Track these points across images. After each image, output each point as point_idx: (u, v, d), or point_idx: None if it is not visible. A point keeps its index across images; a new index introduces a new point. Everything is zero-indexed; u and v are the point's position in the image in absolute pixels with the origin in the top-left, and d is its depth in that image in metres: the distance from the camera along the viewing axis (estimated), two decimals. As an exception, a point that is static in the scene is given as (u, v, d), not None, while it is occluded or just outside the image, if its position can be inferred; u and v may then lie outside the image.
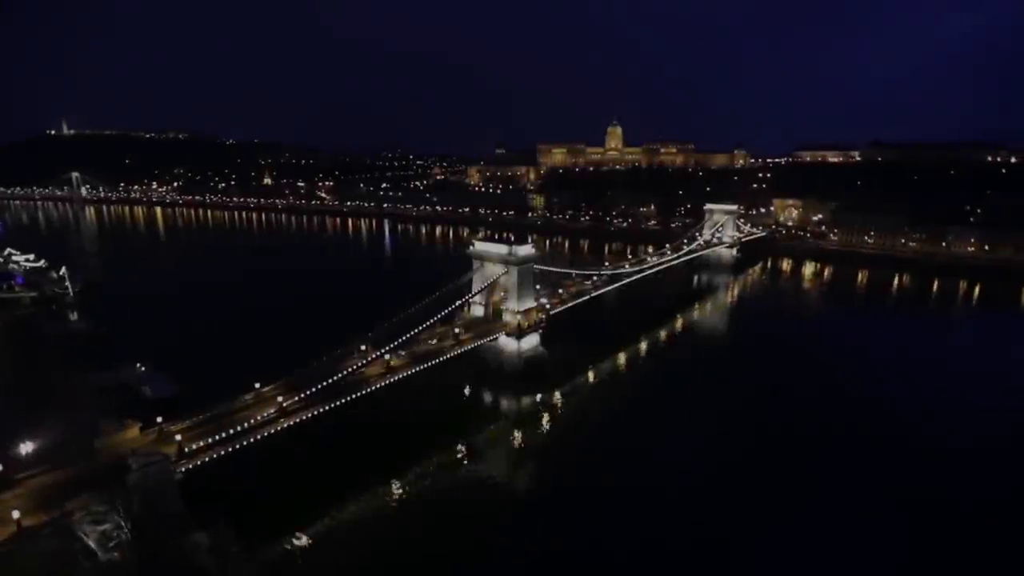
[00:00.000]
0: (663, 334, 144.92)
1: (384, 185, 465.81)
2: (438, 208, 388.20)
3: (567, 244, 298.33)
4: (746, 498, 72.10)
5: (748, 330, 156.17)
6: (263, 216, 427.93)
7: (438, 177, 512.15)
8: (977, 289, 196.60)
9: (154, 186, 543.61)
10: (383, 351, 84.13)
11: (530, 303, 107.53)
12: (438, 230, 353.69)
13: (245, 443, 65.62)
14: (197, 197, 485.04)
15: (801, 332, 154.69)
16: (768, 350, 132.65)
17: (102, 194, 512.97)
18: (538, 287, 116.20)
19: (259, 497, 67.22)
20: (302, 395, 72.97)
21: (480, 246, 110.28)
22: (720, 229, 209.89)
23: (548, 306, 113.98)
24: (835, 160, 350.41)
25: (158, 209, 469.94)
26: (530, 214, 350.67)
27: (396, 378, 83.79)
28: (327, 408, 73.99)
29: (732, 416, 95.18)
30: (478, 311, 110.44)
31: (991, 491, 74.15)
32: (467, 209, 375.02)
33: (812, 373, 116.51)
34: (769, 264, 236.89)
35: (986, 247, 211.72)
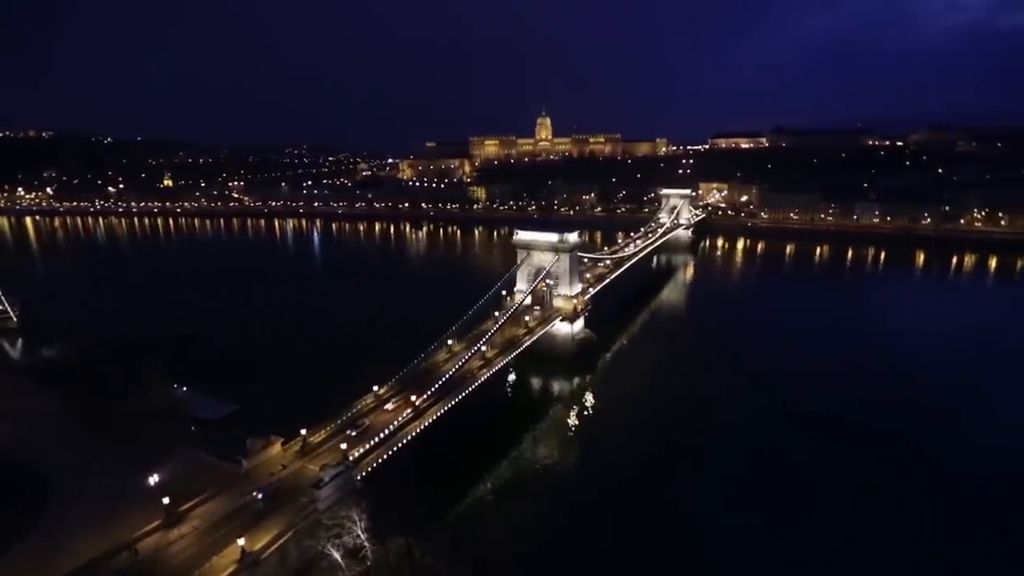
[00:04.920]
0: (654, 310, 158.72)
1: (307, 183, 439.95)
2: (376, 204, 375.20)
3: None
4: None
5: (720, 302, 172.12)
6: (170, 221, 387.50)
7: (365, 173, 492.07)
8: (883, 254, 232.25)
9: (20, 192, 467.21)
10: (480, 344, 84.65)
11: (578, 287, 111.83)
12: (377, 227, 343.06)
13: (400, 445, 64.31)
14: (84, 204, 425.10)
15: (762, 300, 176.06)
16: (745, 320, 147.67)
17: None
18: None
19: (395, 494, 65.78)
20: (427, 394, 72.16)
21: (526, 235, 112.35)
22: (678, 213, 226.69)
23: (591, 290, 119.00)
24: (747, 146, 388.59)
25: (28, 219, 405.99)
26: (475, 206, 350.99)
27: (495, 369, 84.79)
28: (454, 403, 73.84)
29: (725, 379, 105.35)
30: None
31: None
32: (407, 204, 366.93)
33: (787, 337, 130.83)
34: (711, 243, 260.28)
35: (888, 218, 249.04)
